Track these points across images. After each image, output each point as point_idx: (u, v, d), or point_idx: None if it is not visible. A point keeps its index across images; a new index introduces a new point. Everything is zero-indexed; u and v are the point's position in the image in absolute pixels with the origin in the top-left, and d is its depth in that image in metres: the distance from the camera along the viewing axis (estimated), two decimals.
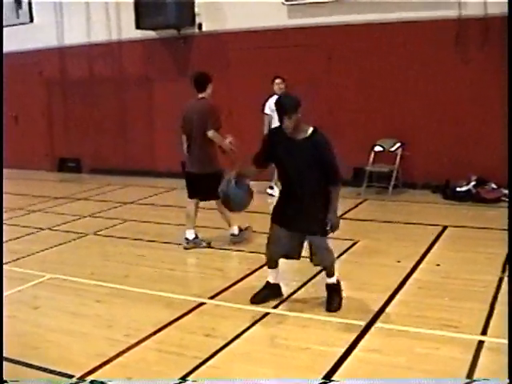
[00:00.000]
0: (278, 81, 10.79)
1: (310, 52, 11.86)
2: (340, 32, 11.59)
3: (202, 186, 7.77)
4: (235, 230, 8.05)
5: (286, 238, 5.76)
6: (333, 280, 5.94)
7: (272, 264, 6.00)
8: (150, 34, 13.58)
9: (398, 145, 11.33)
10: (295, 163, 5.54)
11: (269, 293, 6.01)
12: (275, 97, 9.94)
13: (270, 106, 10.06)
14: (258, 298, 5.94)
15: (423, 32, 10.87)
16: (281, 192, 6.01)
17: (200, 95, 7.98)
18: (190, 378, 4.52)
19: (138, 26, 13.29)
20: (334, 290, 5.91)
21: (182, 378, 4.49)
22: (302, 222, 5.65)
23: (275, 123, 8.41)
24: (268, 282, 6.04)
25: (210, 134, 7.70)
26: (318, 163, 5.49)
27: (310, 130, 5.55)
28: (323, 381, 4.30)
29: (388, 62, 11.33)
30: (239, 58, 12.60)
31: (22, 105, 15.91)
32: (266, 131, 9.73)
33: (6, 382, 3.29)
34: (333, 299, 5.84)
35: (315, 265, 6.00)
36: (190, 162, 8.03)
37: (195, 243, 7.92)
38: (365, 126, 11.63)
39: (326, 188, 5.60)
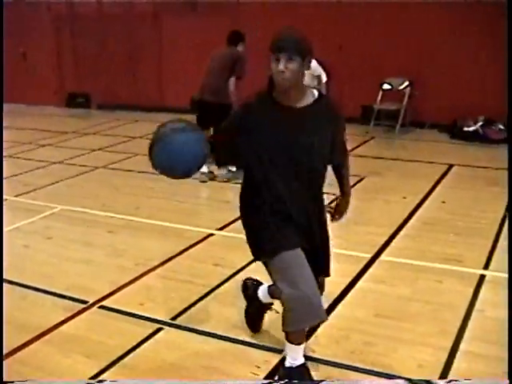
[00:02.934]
0: None
1: None
2: None
3: (212, 116, 7.45)
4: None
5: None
6: None
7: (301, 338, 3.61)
8: None
9: (407, 83, 11.32)
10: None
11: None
12: None
13: None
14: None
15: None
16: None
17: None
18: (200, 303, 4.70)
19: None
20: None
21: (192, 304, 4.66)
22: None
23: None
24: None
25: (232, 79, 7.98)
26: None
27: (315, 92, 3.47)
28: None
29: (400, 0, 11.24)
30: None
31: (31, 41, 15.83)
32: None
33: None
34: None
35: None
36: (202, 91, 8.17)
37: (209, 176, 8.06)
38: (374, 63, 11.57)
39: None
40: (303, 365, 3.58)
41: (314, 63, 10.04)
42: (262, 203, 3.45)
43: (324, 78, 9.63)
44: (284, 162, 3.34)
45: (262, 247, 3.54)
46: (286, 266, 3.39)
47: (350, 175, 3.82)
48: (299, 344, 3.55)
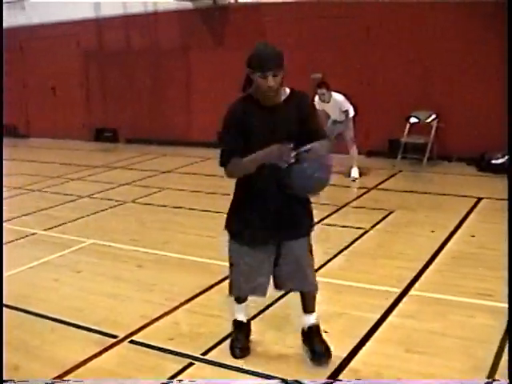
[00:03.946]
0: (319, 91, 9.44)
1: (347, 24, 11.80)
2: (378, 5, 11.59)
3: None
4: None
5: (264, 260, 4.24)
6: (316, 318, 4.48)
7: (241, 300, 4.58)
8: (186, 4, 13.62)
9: (434, 116, 11.32)
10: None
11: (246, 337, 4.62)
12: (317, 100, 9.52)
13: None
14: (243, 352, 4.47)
15: (462, 7, 10.81)
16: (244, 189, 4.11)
17: None
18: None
19: None
20: (319, 334, 4.45)
21: (223, 339, 4.65)
22: (292, 221, 4.12)
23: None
24: (239, 322, 4.62)
25: None
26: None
27: (287, 90, 4.00)
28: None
29: (425, 35, 11.29)
30: (275, 29, 12.54)
31: (60, 76, 16.11)
32: None
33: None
34: (322, 346, 4.36)
35: (295, 289, 4.47)
36: None
37: None
38: (401, 97, 11.61)
39: None
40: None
41: (341, 98, 10.10)
42: (249, 189, 4.05)
43: (351, 113, 9.66)
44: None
45: (231, 226, 4.40)
46: (238, 253, 4.36)
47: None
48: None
